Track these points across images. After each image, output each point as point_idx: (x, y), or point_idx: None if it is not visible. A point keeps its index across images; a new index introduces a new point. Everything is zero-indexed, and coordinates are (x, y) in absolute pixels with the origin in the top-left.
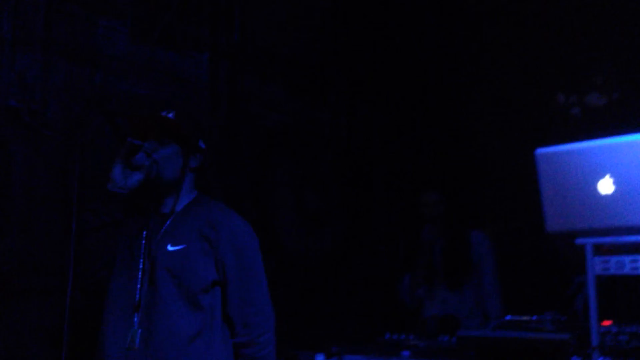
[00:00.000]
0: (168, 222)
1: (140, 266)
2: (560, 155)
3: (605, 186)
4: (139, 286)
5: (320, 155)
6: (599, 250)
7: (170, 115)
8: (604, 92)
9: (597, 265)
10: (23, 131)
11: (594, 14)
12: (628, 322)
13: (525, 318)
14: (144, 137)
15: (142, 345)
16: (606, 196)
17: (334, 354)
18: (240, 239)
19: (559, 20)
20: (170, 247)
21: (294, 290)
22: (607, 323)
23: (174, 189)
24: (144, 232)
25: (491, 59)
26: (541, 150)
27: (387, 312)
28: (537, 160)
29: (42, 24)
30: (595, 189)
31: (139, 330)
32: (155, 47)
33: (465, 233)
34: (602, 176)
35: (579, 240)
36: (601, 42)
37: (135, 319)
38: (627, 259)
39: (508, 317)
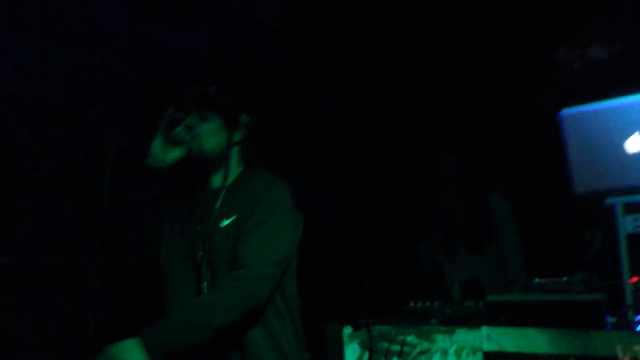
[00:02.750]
0: (220, 198)
1: (199, 248)
2: (586, 115)
3: (634, 144)
4: (197, 271)
5: (325, 125)
6: (629, 208)
7: (212, 88)
8: (606, 45)
9: (628, 224)
10: (25, 118)
11: None
12: None
13: (554, 280)
14: (186, 111)
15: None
16: (635, 154)
17: (362, 325)
18: (273, 195)
19: None
20: (223, 222)
21: (306, 265)
22: (635, 279)
23: (220, 164)
24: (195, 211)
25: (495, 17)
26: (566, 112)
27: (408, 281)
28: (563, 121)
29: (36, 9)
30: (623, 148)
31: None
32: (151, 24)
33: (485, 195)
34: (630, 134)
35: (609, 200)
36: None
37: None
38: None
39: (536, 281)
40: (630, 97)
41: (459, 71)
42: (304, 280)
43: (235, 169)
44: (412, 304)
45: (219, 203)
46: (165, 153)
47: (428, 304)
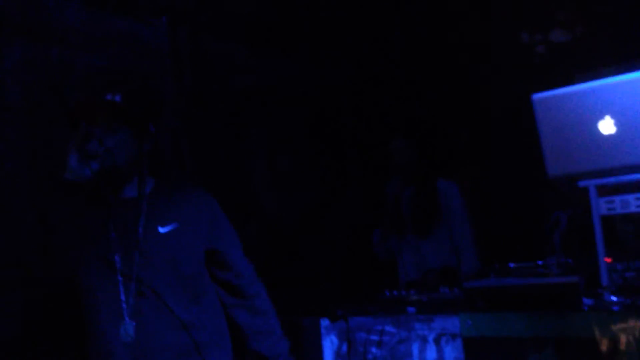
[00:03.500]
0: (143, 207)
1: (118, 257)
2: (558, 99)
3: (606, 127)
4: (120, 279)
5: (291, 114)
6: (602, 190)
7: (118, 97)
8: (568, 28)
9: (602, 206)
10: None
11: None
12: (629, 258)
13: (529, 264)
14: (94, 122)
15: (139, 335)
16: (607, 137)
17: (340, 317)
18: (216, 209)
19: None
20: (161, 229)
21: (276, 254)
22: (608, 260)
23: (133, 174)
24: (113, 221)
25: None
26: (538, 95)
27: (370, 269)
28: (535, 105)
29: None
30: (596, 130)
31: (133, 323)
32: (112, 15)
33: (433, 180)
34: (602, 117)
35: (582, 183)
36: None
37: (125, 316)
38: (631, 197)
39: (512, 265)
40: (601, 80)
41: (414, 57)
42: (278, 273)
43: (149, 176)
44: (387, 293)
45: (144, 209)
46: (82, 168)
47: (404, 292)
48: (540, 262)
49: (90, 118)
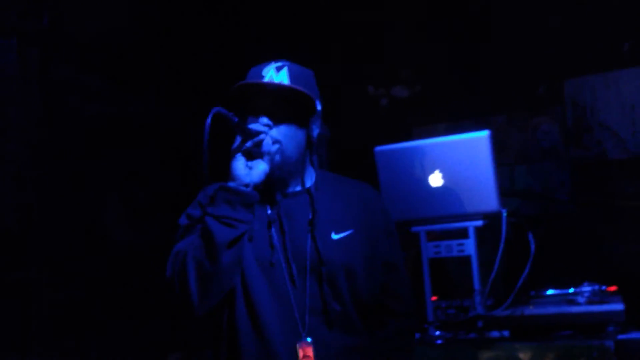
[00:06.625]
0: (311, 205)
1: (293, 263)
2: (396, 152)
3: (435, 180)
4: (290, 289)
5: (146, 146)
6: (431, 236)
7: (284, 73)
8: (408, 85)
9: (430, 250)
10: None
11: (402, 16)
12: (451, 297)
13: None
14: (256, 115)
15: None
16: (436, 189)
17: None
18: (390, 219)
19: (371, 19)
20: (335, 236)
21: (128, 287)
22: (434, 298)
23: (298, 166)
24: (277, 220)
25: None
26: (380, 148)
27: None
28: (376, 157)
29: None
30: (426, 183)
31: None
32: None
33: None
34: (433, 171)
35: (414, 229)
36: (405, 40)
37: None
38: (454, 242)
39: None
40: (433, 139)
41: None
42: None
43: (310, 168)
44: None
45: (316, 209)
46: (252, 174)
47: None
48: None
49: (252, 109)
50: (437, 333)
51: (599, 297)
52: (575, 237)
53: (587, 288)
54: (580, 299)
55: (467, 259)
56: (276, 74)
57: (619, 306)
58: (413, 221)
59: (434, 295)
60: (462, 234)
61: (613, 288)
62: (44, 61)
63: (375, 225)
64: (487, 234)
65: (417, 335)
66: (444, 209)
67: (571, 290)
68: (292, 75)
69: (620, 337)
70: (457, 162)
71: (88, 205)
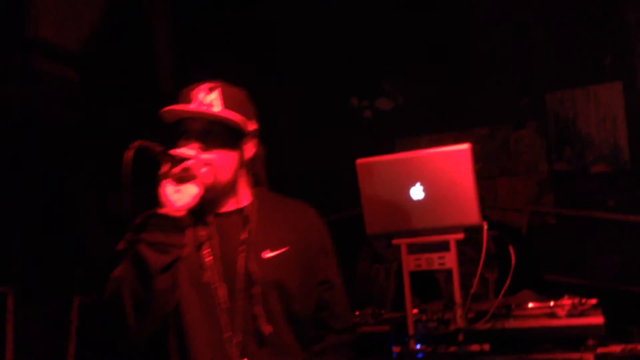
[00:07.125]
0: (244, 224)
1: (224, 284)
2: (377, 165)
3: (416, 193)
4: (221, 310)
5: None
6: (412, 249)
7: (215, 95)
8: (391, 98)
9: (411, 262)
10: None
11: (387, 31)
12: (432, 310)
13: None
14: (185, 137)
15: None
16: (417, 201)
17: None
18: (327, 238)
19: (354, 33)
20: (268, 254)
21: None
22: (415, 311)
23: (230, 186)
24: (209, 240)
25: (291, 65)
26: (361, 161)
27: None
28: (358, 169)
29: None
30: (407, 195)
31: None
32: None
33: None
34: (414, 184)
35: (396, 241)
36: (390, 53)
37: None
38: (435, 256)
39: None
40: (414, 152)
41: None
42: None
43: (245, 188)
44: None
45: (244, 231)
46: (182, 198)
47: None
48: (356, 313)
49: (183, 135)
50: (418, 346)
51: (579, 311)
52: (557, 249)
53: (567, 301)
54: (561, 313)
55: (448, 272)
56: (207, 96)
57: (598, 319)
58: (394, 234)
59: (415, 308)
60: (443, 246)
61: (593, 301)
62: (22, 71)
63: (312, 244)
64: (468, 248)
65: (398, 349)
66: (425, 222)
67: (552, 303)
68: (225, 97)
69: (600, 350)
70: (438, 175)
71: (65, 215)
